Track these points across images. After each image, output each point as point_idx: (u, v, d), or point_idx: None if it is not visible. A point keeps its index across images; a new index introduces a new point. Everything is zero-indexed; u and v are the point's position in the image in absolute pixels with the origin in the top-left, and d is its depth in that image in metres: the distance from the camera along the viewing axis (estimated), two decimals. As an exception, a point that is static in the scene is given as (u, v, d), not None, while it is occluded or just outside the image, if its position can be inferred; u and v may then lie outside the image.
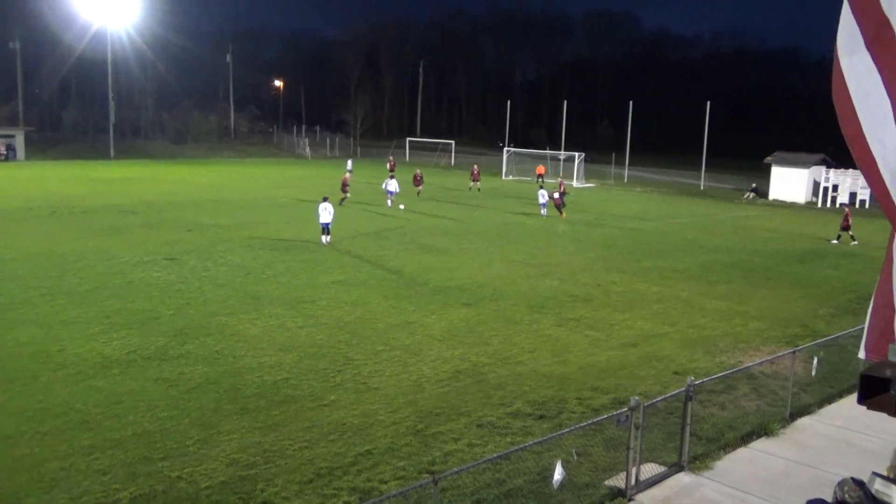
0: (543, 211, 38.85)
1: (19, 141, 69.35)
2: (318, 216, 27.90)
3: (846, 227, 33.62)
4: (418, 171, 49.08)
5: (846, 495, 2.63)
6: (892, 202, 2.56)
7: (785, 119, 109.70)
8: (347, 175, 42.17)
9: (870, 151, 2.61)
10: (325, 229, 27.73)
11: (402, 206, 30.98)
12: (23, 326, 16.30)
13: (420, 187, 45.92)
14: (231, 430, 11.38)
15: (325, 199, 28.29)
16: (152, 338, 15.81)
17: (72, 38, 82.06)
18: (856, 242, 33.10)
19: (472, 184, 51.66)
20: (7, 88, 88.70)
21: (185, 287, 20.51)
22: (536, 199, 39.89)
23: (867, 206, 48.96)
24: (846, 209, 35.67)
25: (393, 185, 40.57)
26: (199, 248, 26.35)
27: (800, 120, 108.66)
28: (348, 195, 39.30)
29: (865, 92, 2.64)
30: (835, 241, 33.43)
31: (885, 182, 2.59)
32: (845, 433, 12.17)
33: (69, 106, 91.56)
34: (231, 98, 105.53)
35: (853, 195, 50.94)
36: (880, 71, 2.56)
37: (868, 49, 2.62)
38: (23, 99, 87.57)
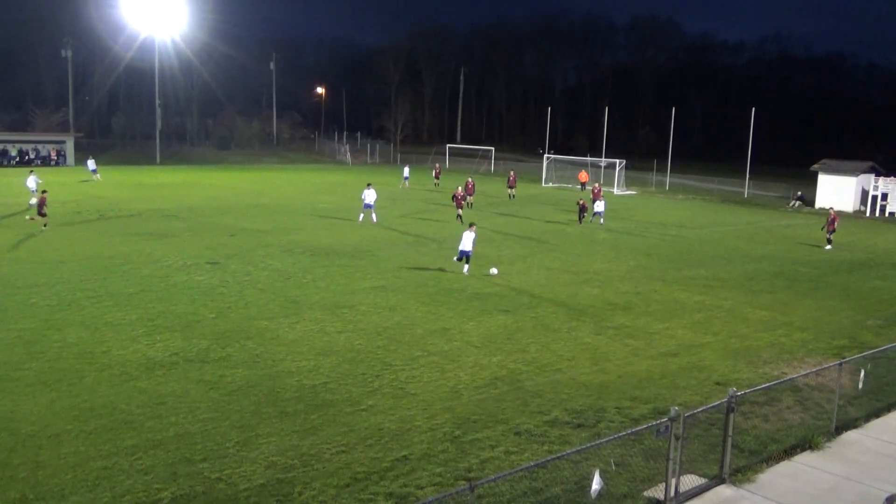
0: (596, 219, 38.94)
1: (69, 146, 71.28)
2: (460, 242, 24.35)
3: (832, 231, 32.93)
4: (470, 179, 48.04)
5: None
6: None
7: (831, 126, 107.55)
8: (459, 189, 39.92)
9: None
10: (465, 257, 24.10)
11: (494, 271, 24.09)
12: (70, 328, 16.70)
13: (470, 197, 44.89)
14: (270, 433, 11.50)
15: (471, 225, 24.97)
16: (194, 340, 16.06)
17: (121, 47, 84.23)
18: (829, 248, 32.44)
19: (509, 190, 51.38)
20: (59, 95, 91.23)
21: (226, 291, 20.81)
22: (594, 207, 39.63)
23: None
24: (832, 212, 34.76)
25: (371, 197, 36.05)
26: (241, 252, 26.72)
27: (847, 127, 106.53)
28: (461, 211, 37.21)
29: None
30: (828, 247, 32.62)
31: None
32: (894, 448, 11.83)
33: (118, 113, 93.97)
34: (274, 105, 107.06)
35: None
36: None
37: None
38: (73, 106, 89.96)
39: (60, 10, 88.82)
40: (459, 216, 35.83)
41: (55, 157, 69.56)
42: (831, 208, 37.99)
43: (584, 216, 38.76)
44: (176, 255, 25.82)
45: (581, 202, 39.65)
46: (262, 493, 9.67)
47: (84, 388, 13.06)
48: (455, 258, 24.59)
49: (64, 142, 71.87)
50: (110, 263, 23.99)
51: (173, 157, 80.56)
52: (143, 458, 10.50)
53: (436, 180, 57.86)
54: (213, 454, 10.70)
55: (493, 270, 24.19)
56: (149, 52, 79.83)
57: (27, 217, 31.11)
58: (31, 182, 40.41)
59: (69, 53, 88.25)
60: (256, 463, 10.48)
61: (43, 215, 30.68)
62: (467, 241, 23.99)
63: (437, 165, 62.74)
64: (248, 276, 22.76)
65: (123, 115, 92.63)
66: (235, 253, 26.54)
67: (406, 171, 59.88)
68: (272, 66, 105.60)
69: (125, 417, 11.87)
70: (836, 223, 33.15)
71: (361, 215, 35.90)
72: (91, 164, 56.22)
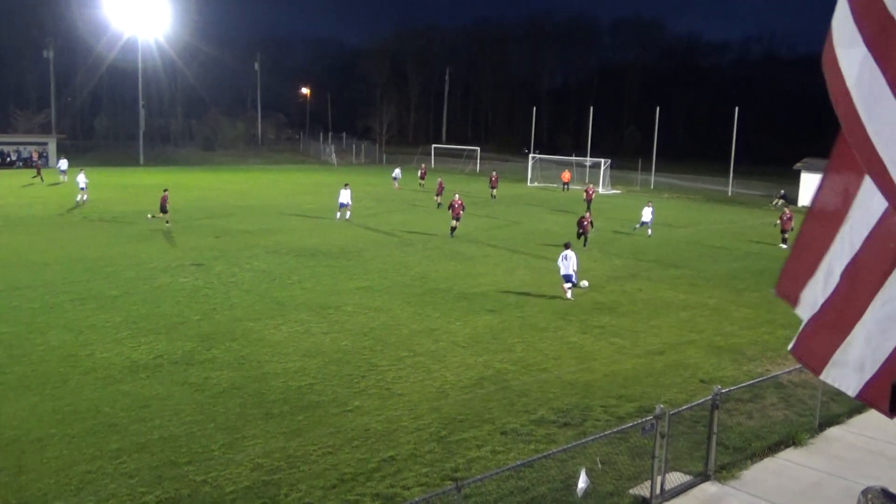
0: (639, 228, 35.30)
1: (52, 148, 70.61)
2: (559, 267, 21.72)
3: (786, 230, 33.17)
4: (440, 179, 48.36)
5: (870, 502, 2.60)
6: None
7: (814, 125, 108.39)
8: (457, 198, 33.94)
9: (877, 154, 2.56)
10: (568, 280, 21.51)
11: (585, 284, 22.15)
12: (53, 330, 16.57)
13: (438, 197, 44.54)
14: (255, 434, 11.45)
15: (567, 246, 22.21)
16: (179, 343, 15.97)
17: (103, 48, 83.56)
18: (784, 247, 32.66)
19: (491, 191, 51.50)
20: (41, 97, 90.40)
21: (211, 292, 20.70)
22: (641, 216, 35.44)
23: None
24: (785, 210, 35.04)
25: (345, 197, 36.57)
26: (226, 253, 26.60)
27: (831, 126, 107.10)
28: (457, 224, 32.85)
29: (870, 95, 2.59)
30: (783, 246, 32.93)
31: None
32: (876, 444, 11.93)
33: (100, 114, 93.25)
34: (258, 105, 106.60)
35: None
36: (884, 72, 2.50)
37: (869, 49, 2.56)
38: (55, 107, 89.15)
39: (42, 11, 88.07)
40: (454, 228, 32.43)
41: (37, 159, 68.80)
42: (785, 207, 38.24)
43: (585, 236, 30.29)
44: (160, 256, 25.67)
45: (586, 220, 30.82)
46: (247, 495, 9.63)
47: (68, 392, 12.95)
48: (570, 285, 21.43)
49: (46, 143, 71.13)
50: (94, 265, 23.81)
51: (157, 158, 80.00)
52: (128, 461, 10.44)
53: (421, 181, 57.93)
54: (199, 457, 10.64)
55: (585, 283, 22.21)
56: (132, 52, 79.20)
57: (148, 216, 33.75)
58: (81, 180, 41.96)
59: (51, 54, 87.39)
60: (242, 465, 10.43)
61: (165, 212, 33.08)
62: (571, 263, 21.37)
63: (423, 166, 62.87)
64: (234, 278, 22.66)
65: (106, 116, 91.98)
66: (220, 254, 26.41)
67: (397, 171, 59.69)
68: (257, 66, 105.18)
69: (109, 421, 11.79)
70: (791, 222, 33.35)
71: (338, 213, 36.68)
72: (63, 163, 55.50)
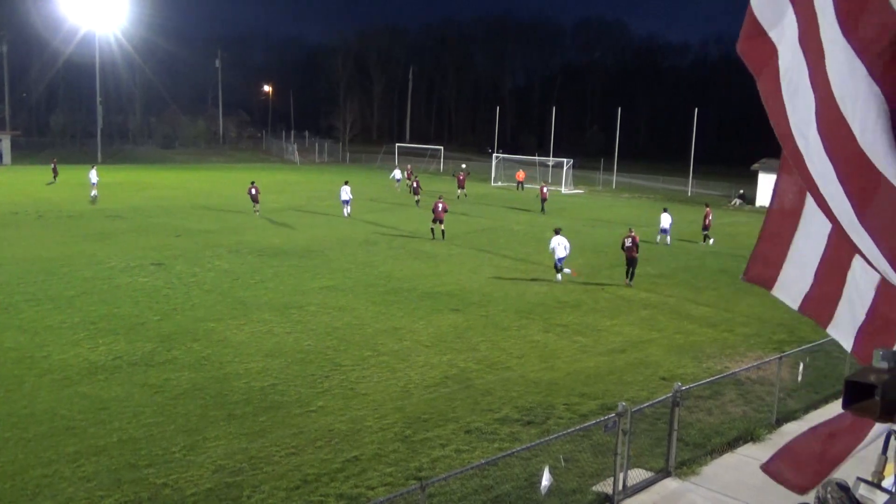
0: (663, 238, 32.96)
1: (6, 145, 68.98)
2: (552, 250, 23.94)
3: (706, 227, 33.98)
4: (417, 178, 48.66)
5: (829, 495, 2.65)
6: (825, 203, 2.55)
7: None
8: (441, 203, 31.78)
9: (797, 147, 2.60)
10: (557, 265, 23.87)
11: (567, 270, 24.01)
12: (7, 332, 16.18)
13: (418, 197, 44.88)
14: (217, 436, 11.32)
15: (557, 231, 24.31)
16: (139, 343, 15.71)
17: (59, 42, 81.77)
18: (711, 242, 33.50)
19: (458, 191, 51.64)
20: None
21: (172, 292, 20.40)
22: (659, 222, 33.40)
23: None
24: (707, 208, 35.99)
25: (346, 194, 37.75)
26: (187, 253, 26.23)
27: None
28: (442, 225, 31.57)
29: (795, 86, 2.63)
30: (712, 241, 33.65)
31: (813, 180, 2.55)
32: (831, 439, 12.21)
33: (57, 110, 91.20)
34: (220, 103, 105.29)
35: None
36: (807, 61, 2.53)
37: (798, 41, 2.60)
38: (9, 103, 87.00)
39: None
40: (442, 232, 31.28)
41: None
42: (707, 205, 38.80)
43: (632, 270, 24.08)
44: (119, 256, 25.22)
45: (630, 247, 24.09)
46: (209, 497, 9.52)
47: (23, 395, 12.67)
48: (558, 272, 23.99)
49: (0, 140, 69.52)
50: (50, 265, 23.30)
51: (115, 156, 78.58)
52: (86, 464, 10.24)
53: (408, 180, 58.11)
54: (159, 459, 10.49)
55: (567, 270, 24.17)
56: (89, 47, 77.67)
57: (255, 211, 36.92)
58: (93, 176, 42.82)
59: (4, 49, 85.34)
60: (204, 467, 10.31)
61: (256, 202, 36.61)
62: (561, 249, 23.66)
63: (409, 167, 62.81)
64: (195, 277, 22.36)
65: (62, 112, 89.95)
66: (181, 254, 26.05)
67: (397, 173, 59.17)
68: (217, 63, 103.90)
69: (66, 424, 11.55)
70: (709, 218, 34.23)
71: (345, 210, 37.89)
72: None
